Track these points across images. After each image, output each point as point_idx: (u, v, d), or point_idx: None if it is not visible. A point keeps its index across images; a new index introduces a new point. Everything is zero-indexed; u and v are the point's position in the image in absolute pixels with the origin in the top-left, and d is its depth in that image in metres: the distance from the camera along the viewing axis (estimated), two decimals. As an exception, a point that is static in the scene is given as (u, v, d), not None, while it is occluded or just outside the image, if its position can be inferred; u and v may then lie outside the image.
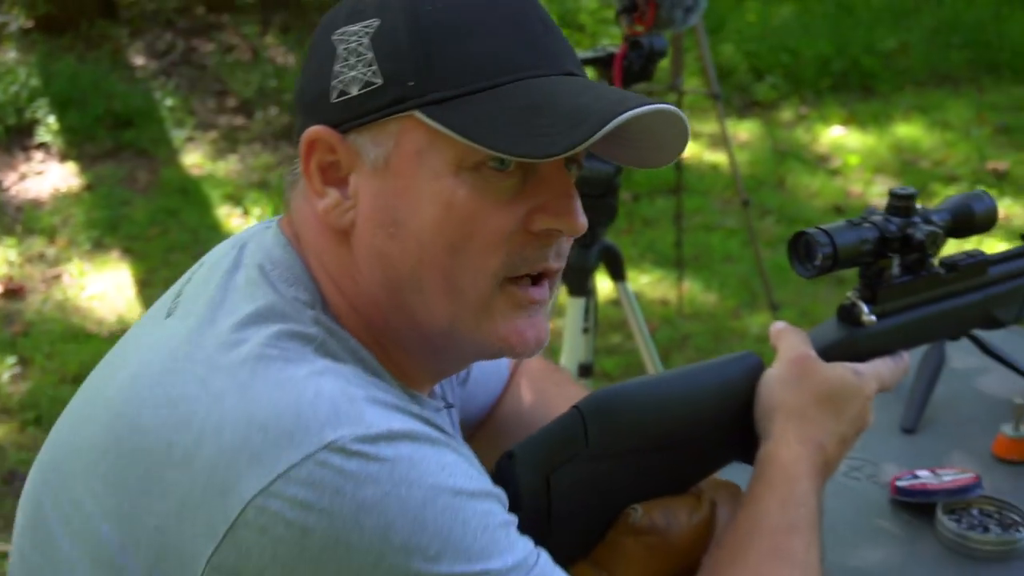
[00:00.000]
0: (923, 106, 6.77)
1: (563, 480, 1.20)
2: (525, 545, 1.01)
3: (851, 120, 6.53)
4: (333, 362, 1.03)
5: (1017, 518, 1.55)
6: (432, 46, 1.02)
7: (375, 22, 1.04)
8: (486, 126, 1.00)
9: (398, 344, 1.12)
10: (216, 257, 1.15)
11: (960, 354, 1.93)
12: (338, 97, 1.04)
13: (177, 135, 6.09)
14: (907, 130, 6.43)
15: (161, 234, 5.11)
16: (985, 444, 1.74)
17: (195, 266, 1.19)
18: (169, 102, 6.33)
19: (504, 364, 1.46)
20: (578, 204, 1.08)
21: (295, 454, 0.94)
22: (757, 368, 1.33)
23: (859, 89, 7.04)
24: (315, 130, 1.06)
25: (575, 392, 1.43)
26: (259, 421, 0.96)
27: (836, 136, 6.37)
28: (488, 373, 1.43)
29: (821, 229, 1.33)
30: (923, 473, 1.62)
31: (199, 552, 0.95)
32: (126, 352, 1.13)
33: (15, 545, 1.14)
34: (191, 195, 5.49)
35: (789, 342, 1.33)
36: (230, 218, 5.26)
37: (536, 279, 1.11)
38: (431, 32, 1.02)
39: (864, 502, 1.63)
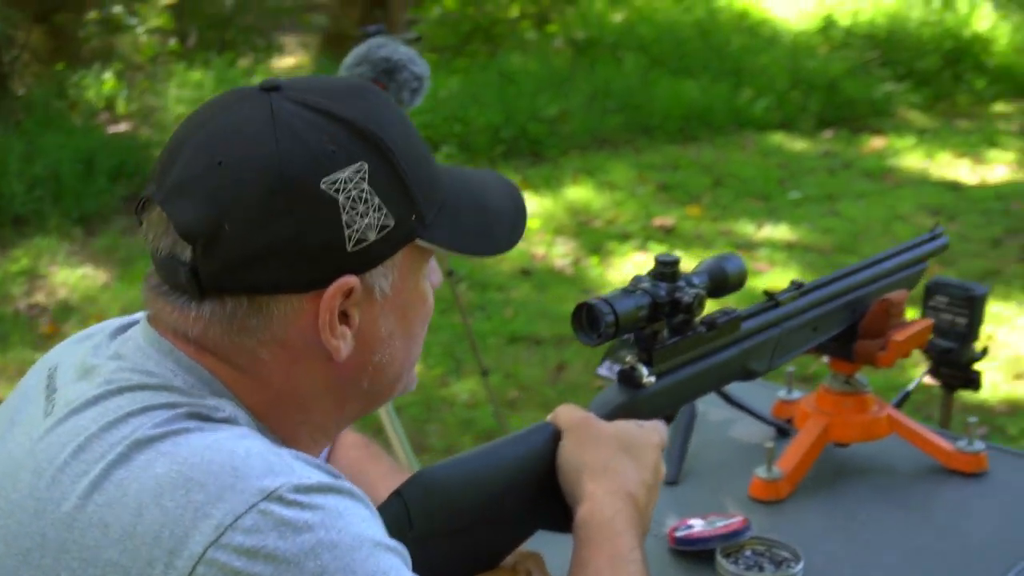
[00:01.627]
0: (589, 168, 7.15)
1: None
2: None
3: (525, 185, 6.78)
4: (248, 429, 1.08)
5: (787, 554, 1.64)
6: (409, 178, 1.11)
7: (364, 165, 1.08)
8: (460, 235, 1.16)
9: (309, 431, 1.18)
10: (77, 358, 1.16)
11: (709, 407, 2.03)
12: (356, 245, 1.08)
13: None
14: (577, 192, 6.76)
15: None
16: (742, 487, 1.83)
17: (42, 370, 1.19)
18: None
19: None
20: None
21: (239, 505, 0.98)
22: (555, 435, 1.37)
23: (529, 155, 7.35)
24: (348, 280, 1.09)
25: (389, 470, 1.52)
26: (197, 480, 0.99)
27: (514, 201, 6.61)
28: None
29: (603, 299, 1.40)
30: (696, 521, 1.70)
31: None
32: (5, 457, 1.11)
33: None
34: None
35: (566, 413, 1.37)
36: None
37: None
38: (404, 166, 1.11)
39: (648, 556, 1.67)
